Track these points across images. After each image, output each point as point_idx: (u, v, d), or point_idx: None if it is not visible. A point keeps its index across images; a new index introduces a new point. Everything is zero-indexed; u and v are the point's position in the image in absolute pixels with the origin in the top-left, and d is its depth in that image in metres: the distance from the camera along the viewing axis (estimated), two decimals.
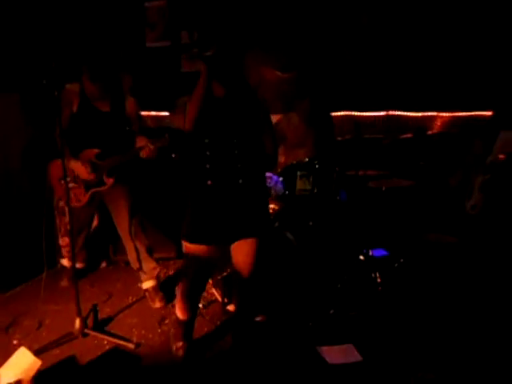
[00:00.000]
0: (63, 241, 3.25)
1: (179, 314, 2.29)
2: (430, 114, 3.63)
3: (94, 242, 3.36)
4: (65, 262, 3.27)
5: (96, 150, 2.73)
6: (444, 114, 3.57)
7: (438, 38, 3.47)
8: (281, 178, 2.78)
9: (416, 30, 3.52)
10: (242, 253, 2.08)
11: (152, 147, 2.58)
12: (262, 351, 2.31)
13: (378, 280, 2.79)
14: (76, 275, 2.47)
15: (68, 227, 2.58)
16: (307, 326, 2.50)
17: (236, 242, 2.07)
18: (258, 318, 2.52)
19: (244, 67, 2.09)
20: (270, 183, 2.76)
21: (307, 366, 2.22)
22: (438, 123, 3.57)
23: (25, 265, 3.18)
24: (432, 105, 3.58)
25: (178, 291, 2.28)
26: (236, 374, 2.16)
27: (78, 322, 2.47)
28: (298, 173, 2.70)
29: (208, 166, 1.96)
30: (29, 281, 3.25)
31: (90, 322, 2.55)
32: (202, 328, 2.56)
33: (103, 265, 3.57)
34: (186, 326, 2.32)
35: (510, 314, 2.47)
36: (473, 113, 3.46)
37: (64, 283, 3.18)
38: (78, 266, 3.09)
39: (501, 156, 2.27)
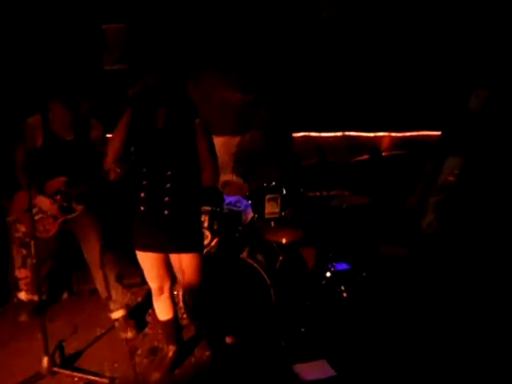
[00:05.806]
0: (20, 273, 3.10)
1: (158, 315, 2.46)
2: (381, 134, 3.93)
3: (55, 271, 3.22)
4: (22, 295, 3.10)
5: (63, 178, 2.69)
6: (394, 134, 3.88)
7: (387, 65, 3.79)
8: (249, 202, 2.85)
9: (367, 56, 3.80)
10: (181, 268, 2.29)
11: (118, 170, 2.51)
12: (238, 372, 2.34)
13: (344, 294, 2.93)
14: (37, 309, 2.33)
15: (34, 261, 2.47)
16: (280, 346, 2.57)
17: (174, 259, 2.28)
18: (228, 340, 2.56)
19: (185, 90, 2.21)
20: (239, 207, 2.82)
21: None
22: (389, 142, 3.84)
23: None
24: (383, 126, 3.87)
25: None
26: None
27: (45, 361, 2.35)
28: (267, 196, 2.77)
29: (143, 194, 2.20)
30: None
31: (57, 358, 2.44)
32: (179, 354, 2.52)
33: (65, 295, 3.42)
34: (169, 327, 2.44)
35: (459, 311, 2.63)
36: (421, 133, 3.79)
37: (23, 318, 3.01)
38: (37, 298, 2.95)
39: (450, 178, 2.45)
